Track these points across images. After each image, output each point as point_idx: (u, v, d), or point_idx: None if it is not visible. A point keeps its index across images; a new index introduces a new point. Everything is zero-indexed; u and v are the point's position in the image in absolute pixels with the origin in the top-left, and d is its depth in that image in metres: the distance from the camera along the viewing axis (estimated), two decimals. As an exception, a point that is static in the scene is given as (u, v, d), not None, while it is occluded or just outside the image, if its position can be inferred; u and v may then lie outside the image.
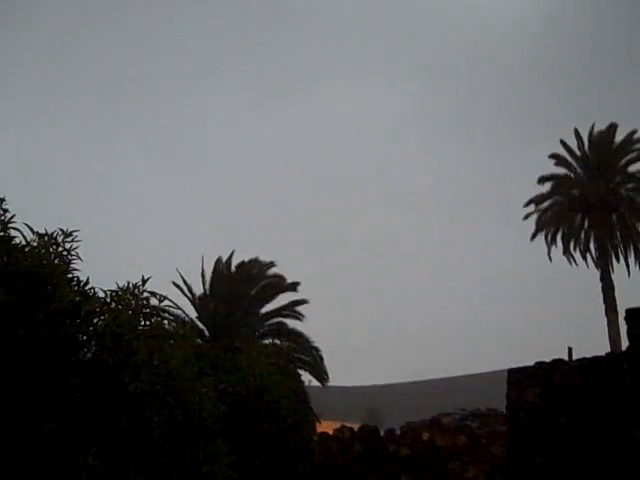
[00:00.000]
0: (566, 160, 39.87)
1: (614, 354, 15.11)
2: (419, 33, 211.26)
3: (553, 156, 39.58)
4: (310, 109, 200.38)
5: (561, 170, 39.99)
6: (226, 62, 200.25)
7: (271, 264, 28.13)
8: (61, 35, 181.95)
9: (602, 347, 33.17)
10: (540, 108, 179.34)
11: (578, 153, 39.49)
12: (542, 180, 39.57)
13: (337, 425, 20.45)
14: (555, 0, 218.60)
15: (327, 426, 19.90)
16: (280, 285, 27.76)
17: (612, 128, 39.09)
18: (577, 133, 39.54)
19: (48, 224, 6.95)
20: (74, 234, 6.87)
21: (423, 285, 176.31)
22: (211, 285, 27.57)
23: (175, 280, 26.66)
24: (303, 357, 26.78)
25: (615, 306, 36.62)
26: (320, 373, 27.27)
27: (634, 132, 38.69)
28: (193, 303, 27.09)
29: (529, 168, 42.48)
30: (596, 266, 38.58)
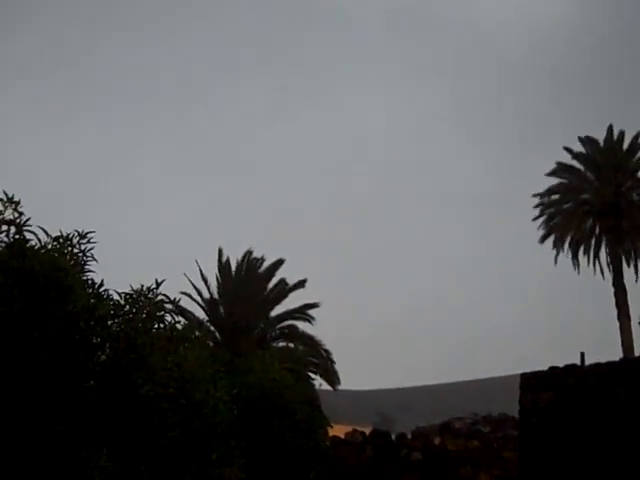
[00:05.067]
0: (573, 166, 39.74)
1: (628, 359, 15.04)
2: (441, 34, 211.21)
3: (567, 149, 39.36)
4: (333, 110, 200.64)
5: (571, 175, 39.84)
6: (249, 62, 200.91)
7: (279, 262, 28.06)
8: (87, 36, 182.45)
9: (614, 353, 32.95)
10: (561, 110, 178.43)
11: (588, 157, 39.36)
12: (551, 192, 39.49)
13: (348, 429, 20.40)
14: (573, 3, 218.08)
15: (338, 430, 19.83)
16: (288, 285, 27.69)
17: (621, 132, 39.02)
18: (588, 138, 39.41)
19: (63, 226, 6.99)
20: (89, 235, 6.90)
21: (435, 287, 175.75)
22: (221, 287, 27.54)
23: (189, 281, 26.64)
24: (314, 360, 26.70)
25: (628, 311, 36.38)
26: (331, 377, 27.18)
27: (639, 135, 38.53)
28: (203, 306, 27.07)
29: (545, 169, 41.51)
30: (602, 272, 38.41)
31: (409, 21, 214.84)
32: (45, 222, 6.93)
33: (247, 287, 27.47)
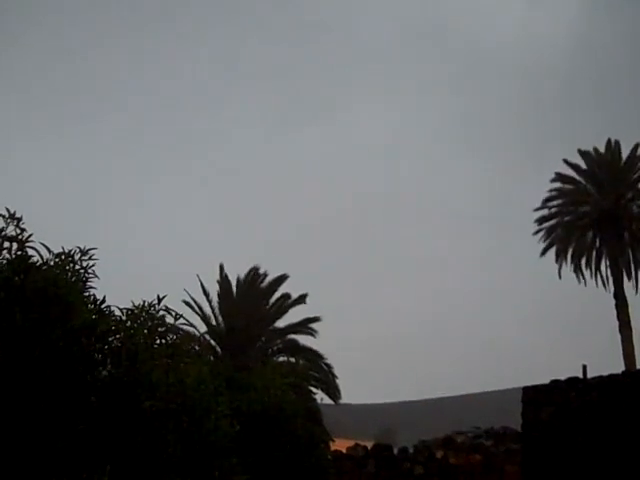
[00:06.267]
0: (573, 178, 39.79)
1: (631, 372, 15.02)
2: (442, 49, 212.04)
3: (568, 163, 39.45)
4: (335, 125, 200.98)
5: (570, 186, 39.89)
6: (251, 76, 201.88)
7: (283, 278, 28.09)
8: (95, 58, 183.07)
9: (616, 365, 32.90)
10: (564, 123, 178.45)
11: (587, 169, 39.41)
12: (550, 199, 39.52)
13: (350, 443, 20.33)
14: (575, 18, 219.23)
15: (340, 444, 19.78)
16: (290, 299, 27.72)
17: (617, 143, 39.16)
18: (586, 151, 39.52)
19: (65, 241, 7.01)
20: (91, 252, 6.92)
21: (436, 302, 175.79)
22: (221, 302, 27.55)
23: (189, 296, 26.67)
24: (315, 374, 26.67)
25: (629, 323, 36.42)
26: (333, 391, 27.15)
27: (637, 146, 38.64)
28: (204, 321, 27.07)
29: (547, 183, 41.28)
30: (604, 284, 38.39)
31: (410, 36, 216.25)
32: (47, 238, 6.95)
33: (249, 301, 27.49)
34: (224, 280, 28.04)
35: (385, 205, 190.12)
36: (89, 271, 6.98)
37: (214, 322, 27.21)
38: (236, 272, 28.51)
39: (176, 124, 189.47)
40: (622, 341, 36.20)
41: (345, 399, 28.23)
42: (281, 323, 27.84)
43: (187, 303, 26.09)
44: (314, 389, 25.19)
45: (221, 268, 28.12)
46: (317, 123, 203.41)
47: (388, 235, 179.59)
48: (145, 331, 7.05)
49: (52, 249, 6.90)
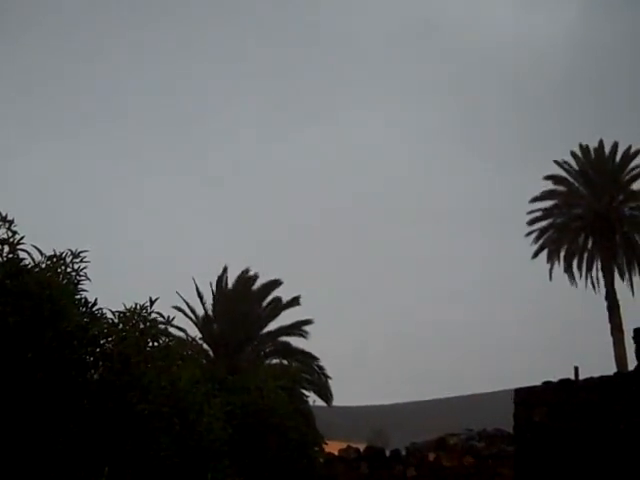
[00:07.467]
0: (566, 179, 39.83)
1: (622, 374, 15.04)
2: (441, 50, 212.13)
3: (561, 164, 39.48)
4: (333, 127, 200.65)
5: (562, 188, 39.91)
6: (253, 78, 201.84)
7: (276, 283, 28.04)
8: (95, 60, 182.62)
9: (608, 367, 32.97)
10: (561, 125, 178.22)
11: (579, 170, 39.46)
12: (542, 198, 39.52)
13: (342, 445, 20.29)
14: (572, 19, 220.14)
15: (332, 446, 19.73)
16: (282, 302, 27.67)
17: (615, 145, 39.20)
18: (584, 149, 39.53)
19: (57, 244, 6.99)
20: (82, 255, 6.90)
21: (435, 302, 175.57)
22: (214, 305, 27.47)
23: (182, 299, 26.58)
24: (308, 377, 26.62)
25: (621, 325, 36.47)
26: (325, 393, 27.12)
27: (629, 148, 38.73)
28: (196, 324, 26.98)
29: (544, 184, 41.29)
30: (593, 286, 38.49)
31: (409, 37, 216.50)
32: (39, 240, 6.93)
33: (241, 304, 27.41)
34: (219, 283, 27.96)
35: (385, 205, 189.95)
36: (80, 273, 6.97)
37: (207, 324, 27.13)
38: (231, 273, 28.48)
39: (176, 124, 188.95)
40: (614, 343, 36.26)
41: (337, 401, 28.23)
42: (274, 325, 27.80)
43: (179, 308, 25.97)
44: (306, 391, 25.13)
45: (224, 270, 28.08)
46: (317, 123, 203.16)
47: (388, 235, 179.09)
48: (137, 334, 7.04)
49: (52, 250, 6.90)
